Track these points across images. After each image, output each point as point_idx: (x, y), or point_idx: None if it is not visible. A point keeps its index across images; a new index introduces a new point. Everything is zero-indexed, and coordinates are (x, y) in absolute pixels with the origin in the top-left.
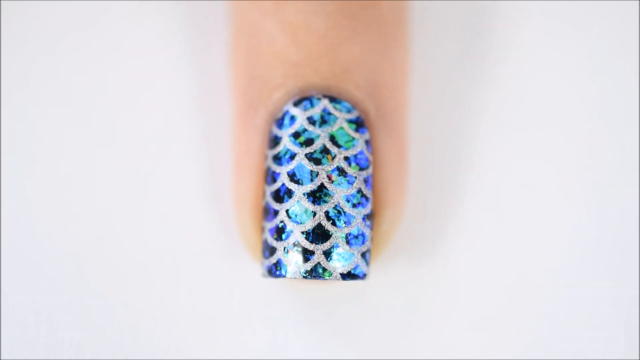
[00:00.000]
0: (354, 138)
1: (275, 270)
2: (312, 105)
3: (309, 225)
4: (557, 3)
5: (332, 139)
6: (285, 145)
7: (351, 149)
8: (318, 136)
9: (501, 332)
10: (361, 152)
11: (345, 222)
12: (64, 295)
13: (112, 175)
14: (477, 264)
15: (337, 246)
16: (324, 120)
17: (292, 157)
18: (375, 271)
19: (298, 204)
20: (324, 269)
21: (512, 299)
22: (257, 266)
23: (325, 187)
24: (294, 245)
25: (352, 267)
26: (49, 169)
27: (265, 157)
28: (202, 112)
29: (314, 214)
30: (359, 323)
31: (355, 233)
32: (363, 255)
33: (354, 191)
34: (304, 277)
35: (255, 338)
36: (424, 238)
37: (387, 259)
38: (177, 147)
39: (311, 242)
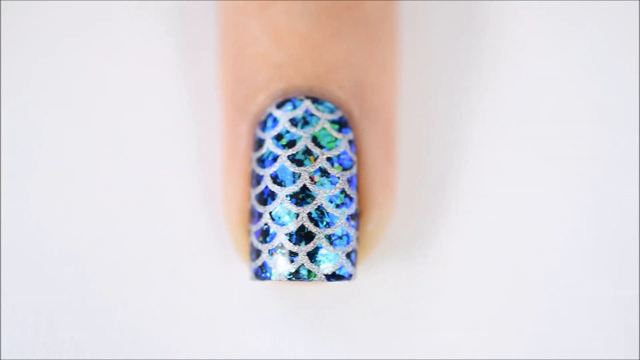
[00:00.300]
0: (336, 138)
1: (261, 272)
2: (294, 106)
3: (292, 227)
4: (556, 2)
5: (315, 140)
6: (268, 148)
7: (334, 150)
8: (300, 137)
9: (497, 332)
10: (344, 153)
11: (328, 223)
12: (64, 295)
13: (112, 175)
14: (472, 263)
15: (321, 247)
16: (306, 121)
17: (275, 159)
18: (369, 271)
19: (281, 206)
20: (309, 271)
21: (508, 299)
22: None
23: (308, 189)
24: (279, 247)
25: (337, 267)
26: (49, 169)
27: (251, 160)
28: (204, 112)
29: (297, 215)
30: (353, 323)
31: (339, 233)
32: (348, 255)
33: (337, 192)
34: (288, 279)
35: (255, 338)
36: (417, 237)
37: (380, 258)
38: (177, 147)
39: (295, 243)
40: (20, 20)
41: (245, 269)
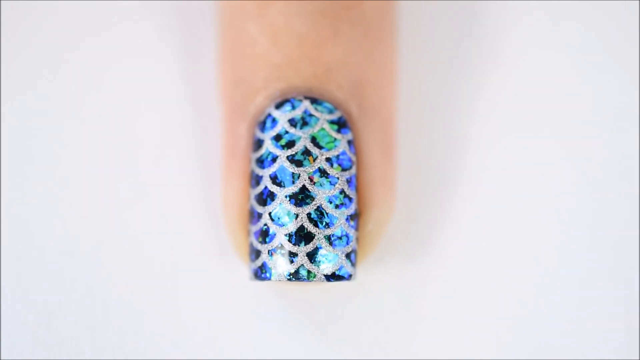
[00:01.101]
0: (335, 139)
1: (260, 273)
2: (293, 107)
3: (292, 227)
4: (555, 3)
5: (314, 140)
6: (267, 148)
7: (333, 150)
8: (299, 138)
9: (497, 331)
10: (343, 153)
11: (327, 224)
12: (64, 295)
13: (112, 176)
14: (472, 262)
15: (321, 247)
16: (305, 122)
17: (274, 159)
18: (369, 271)
19: (280, 206)
20: (308, 271)
21: (508, 298)
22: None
23: (307, 189)
24: (278, 248)
25: (337, 268)
26: (49, 169)
27: (250, 161)
28: (203, 113)
29: (296, 216)
30: (354, 323)
31: (339, 234)
32: (348, 256)
33: (336, 192)
34: (288, 279)
35: (254, 338)
36: (417, 237)
37: (380, 258)
38: (177, 148)
39: (294, 244)
40: (19, 20)
41: (244, 269)
